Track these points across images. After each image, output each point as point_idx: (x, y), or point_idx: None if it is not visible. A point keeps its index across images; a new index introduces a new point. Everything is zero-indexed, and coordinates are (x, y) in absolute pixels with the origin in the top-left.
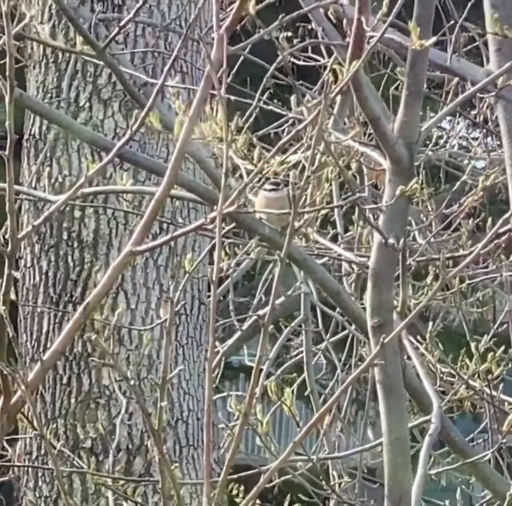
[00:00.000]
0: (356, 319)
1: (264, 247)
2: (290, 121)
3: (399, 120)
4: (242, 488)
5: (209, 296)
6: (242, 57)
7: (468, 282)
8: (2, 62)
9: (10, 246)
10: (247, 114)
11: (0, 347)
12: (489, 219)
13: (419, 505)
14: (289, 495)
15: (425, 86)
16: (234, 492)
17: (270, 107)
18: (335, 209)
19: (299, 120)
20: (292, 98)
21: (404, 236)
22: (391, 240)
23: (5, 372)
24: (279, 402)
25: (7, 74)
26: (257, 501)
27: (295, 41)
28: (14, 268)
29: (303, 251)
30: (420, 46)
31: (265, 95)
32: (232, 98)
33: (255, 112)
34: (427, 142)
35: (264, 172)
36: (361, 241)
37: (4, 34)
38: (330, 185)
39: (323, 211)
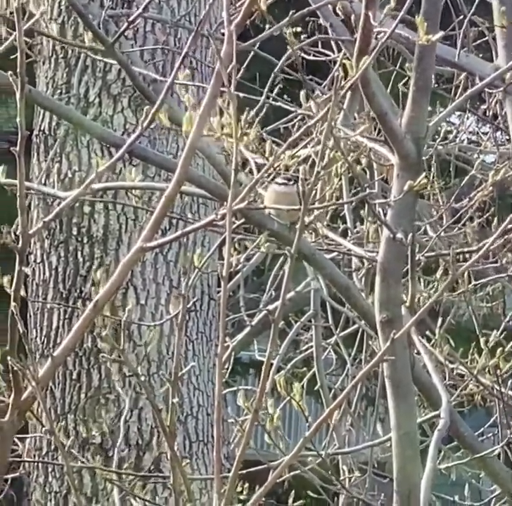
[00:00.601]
0: (365, 314)
1: (274, 242)
2: (300, 116)
3: (407, 115)
4: (249, 485)
5: (218, 292)
6: (251, 53)
7: (479, 281)
8: (13, 57)
9: (21, 242)
10: (256, 108)
11: (11, 343)
12: (497, 215)
13: (428, 500)
14: (299, 491)
15: (434, 81)
16: (238, 489)
17: (279, 104)
18: (345, 205)
19: (309, 116)
20: (302, 93)
21: (412, 231)
22: (399, 235)
23: (15, 368)
24: (288, 397)
25: (18, 70)
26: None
27: (304, 36)
28: (24, 264)
29: (313, 247)
30: (427, 41)
31: (275, 91)
32: (241, 94)
33: (265, 107)
34: (437, 136)
35: (274, 167)
36: (370, 236)
37: (15, 30)
38: (340, 180)
39: (332, 207)
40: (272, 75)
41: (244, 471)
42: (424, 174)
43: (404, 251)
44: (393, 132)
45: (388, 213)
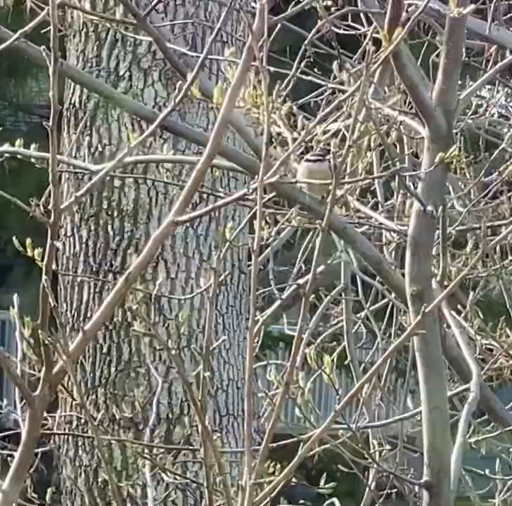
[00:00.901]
0: (396, 288)
1: (304, 216)
2: (330, 90)
3: (438, 88)
4: (279, 458)
5: (249, 266)
6: (279, 26)
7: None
8: (44, 31)
9: (52, 216)
10: (286, 80)
11: (42, 317)
12: None
13: (458, 474)
14: (328, 465)
15: (465, 54)
16: (268, 463)
17: (309, 78)
18: (376, 179)
19: (340, 90)
20: (334, 65)
21: (442, 204)
22: (429, 208)
23: (46, 342)
24: (319, 371)
25: (51, 44)
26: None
27: (333, 9)
28: (56, 238)
29: (343, 221)
30: (458, 13)
31: (303, 64)
32: (271, 69)
33: (294, 80)
34: (467, 110)
35: (306, 141)
36: (401, 210)
37: (46, 5)
38: (371, 154)
39: (364, 181)
40: (302, 49)
41: (274, 445)
42: (455, 146)
43: (435, 225)
44: (423, 105)
45: (418, 187)
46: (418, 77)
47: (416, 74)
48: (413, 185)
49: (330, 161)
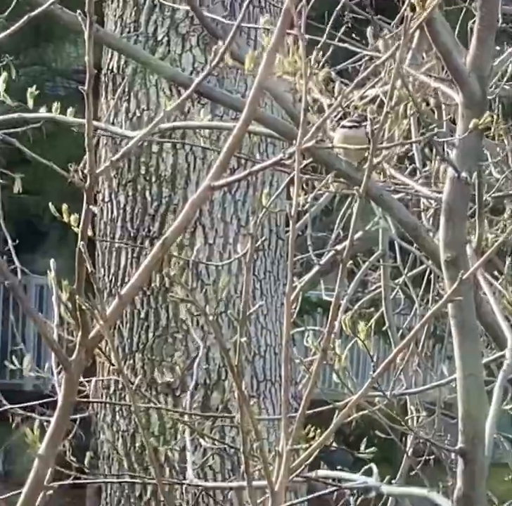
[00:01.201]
0: (433, 254)
1: (341, 182)
2: (368, 56)
3: (472, 54)
4: (317, 424)
5: (287, 231)
6: None
7: None
8: None
9: (88, 181)
10: (319, 45)
11: (78, 282)
12: None
13: (493, 440)
14: (366, 432)
15: (501, 20)
16: (306, 429)
17: (345, 45)
18: (414, 144)
19: (377, 56)
20: (368, 31)
21: (478, 170)
22: (464, 174)
23: (83, 307)
24: (355, 337)
25: (87, 9)
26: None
27: None
28: (92, 203)
29: (380, 187)
30: None
31: (342, 31)
32: (308, 36)
33: (331, 47)
34: (502, 78)
35: (342, 106)
36: (438, 176)
37: None
38: (408, 120)
39: (400, 146)
40: (339, 14)
41: (311, 411)
42: (489, 113)
43: (469, 191)
44: (457, 71)
45: (453, 153)
46: (452, 44)
47: (450, 40)
48: (449, 151)
49: (366, 128)
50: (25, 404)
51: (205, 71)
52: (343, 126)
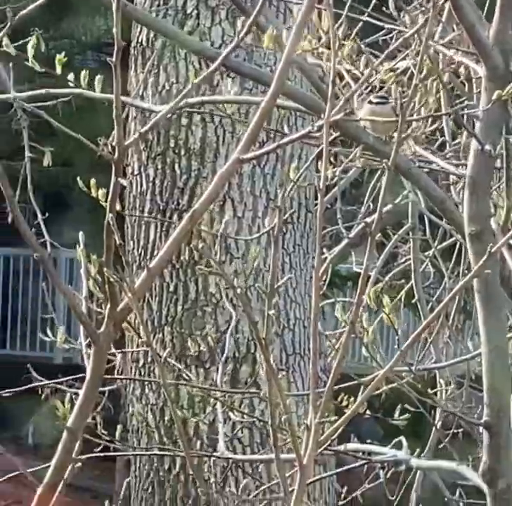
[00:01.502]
0: (460, 227)
1: (368, 156)
2: (396, 31)
3: (495, 28)
4: (346, 398)
5: (316, 205)
6: None
7: None
8: None
9: (116, 153)
10: (343, 16)
11: (107, 254)
12: None
13: None
14: (395, 405)
15: None
16: (344, 403)
17: (372, 20)
18: (443, 117)
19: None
20: (391, 3)
21: (505, 142)
22: (487, 147)
23: (111, 280)
24: (383, 312)
25: None
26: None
27: None
28: (121, 176)
29: (408, 161)
30: None
31: (371, 6)
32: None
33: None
34: None
35: (371, 80)
36: (466, 150)
37: None
38: (437, 93)
39: (428, 119)
40: None
41: (340, 385)
42: None
43: (493, 164)
44: (480, 44)
45: (477, 126)
46: (475, 17)
47: (473, 13)
48: (473, 124)
49: (393, 104)
50: (54, 381)
51: (232, 44)
52: (370, 102)
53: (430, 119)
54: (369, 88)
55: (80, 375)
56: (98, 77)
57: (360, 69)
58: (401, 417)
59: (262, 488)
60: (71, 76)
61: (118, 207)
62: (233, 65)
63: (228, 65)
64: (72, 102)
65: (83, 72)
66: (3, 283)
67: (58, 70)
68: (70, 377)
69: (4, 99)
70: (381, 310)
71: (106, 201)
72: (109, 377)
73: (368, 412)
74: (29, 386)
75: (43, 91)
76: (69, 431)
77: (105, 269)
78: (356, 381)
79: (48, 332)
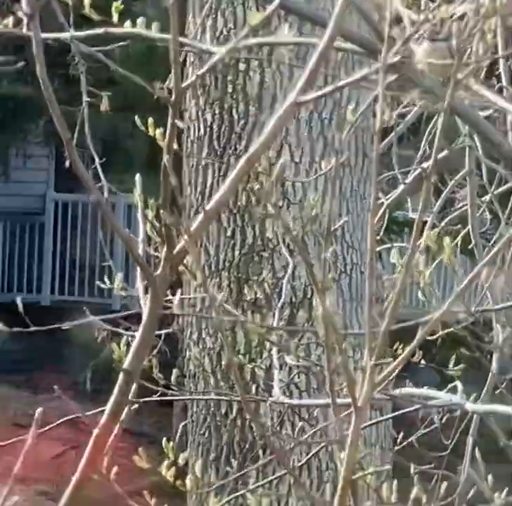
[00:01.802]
0: None
1: (426, 99)
2: None
3: None
4: (401, 342)
5: (373, 149)
6: None
7: None
8: None
9: (174, 95)
10: None
11: (163, 197)
12: None
13: None
14: (452, 349)
15: None
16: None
17: None
18: (500, 61)
19: None
20: None
21: None
22: None
23: (168, 222)
24: (442, 253)
25: None
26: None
27: None
28: (177, 118)
29: (465, 104)
30: None
31: None
32: None
33: None
34: None
35: (429, 21)
36: None
37: None
38: (495, 36)
39: (486, 61)
40: None
41: (395, 327)
42: None
43: None
44: None
45: None
46: None
47: None
48: None
49: (450, 43)
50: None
51: None
52: (427, 43)
53: (488, 61)
54: (426, 32)
55: (136, 315)
56: (154, 24)
57: (419, 11)
58: (455, 368)
59: (317, 428)
60: (128, 24)
61: (175, 149)
62: (291, 6)
63: (287, 6)
64: (129, 48)
65: (139, 19)
66: (62, 228)
67: (115, 18)
68: (125, 314)
69: (62, 38)
70: (439, 256)
71: (163, 140)
72: (166, 311)
73: (423, 361)
74: (87, 324)
75: (101, 30)
76: (125, 373)
77: (161, 211)
78: (413, 322)
79: (106, 279)
